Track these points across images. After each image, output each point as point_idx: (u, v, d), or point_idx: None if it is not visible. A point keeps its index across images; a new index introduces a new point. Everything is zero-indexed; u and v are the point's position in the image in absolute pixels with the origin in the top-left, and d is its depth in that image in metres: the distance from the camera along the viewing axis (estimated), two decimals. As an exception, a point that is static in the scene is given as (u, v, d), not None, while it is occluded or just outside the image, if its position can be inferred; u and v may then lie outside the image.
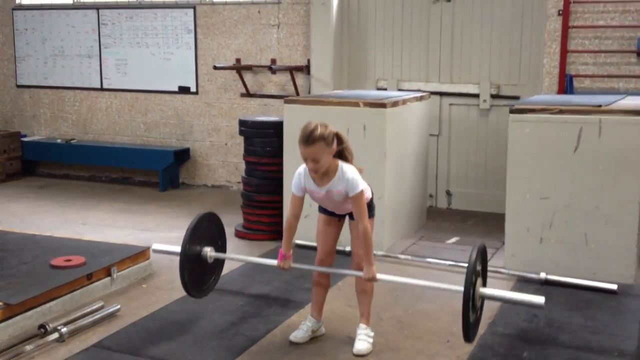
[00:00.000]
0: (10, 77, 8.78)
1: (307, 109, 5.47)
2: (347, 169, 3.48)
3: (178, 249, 3.85)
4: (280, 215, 5.59)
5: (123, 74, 8.14)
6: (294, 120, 5.51)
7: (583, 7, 6.07)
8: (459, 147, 6.85)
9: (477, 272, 3.35)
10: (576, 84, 6.14)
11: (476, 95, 6.69)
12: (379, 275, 3.52)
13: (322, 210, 3.73)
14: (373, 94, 6.17)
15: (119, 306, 4.18)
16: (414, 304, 4.34)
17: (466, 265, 4.95)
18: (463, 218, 6.55)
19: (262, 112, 7.43)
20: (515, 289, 4.59)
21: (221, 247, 4.07)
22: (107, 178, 8.40)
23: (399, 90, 6.85)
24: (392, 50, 7.01)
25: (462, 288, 3.26)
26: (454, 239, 5.80)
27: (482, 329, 3.74)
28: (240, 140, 6.90)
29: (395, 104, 5.41)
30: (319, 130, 3.34)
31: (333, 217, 3.72)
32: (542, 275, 4.67)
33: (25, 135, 8.61)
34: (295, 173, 3.58)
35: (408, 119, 5.74)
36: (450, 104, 6.83)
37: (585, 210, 4.67)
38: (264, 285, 4.59)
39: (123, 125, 8.26)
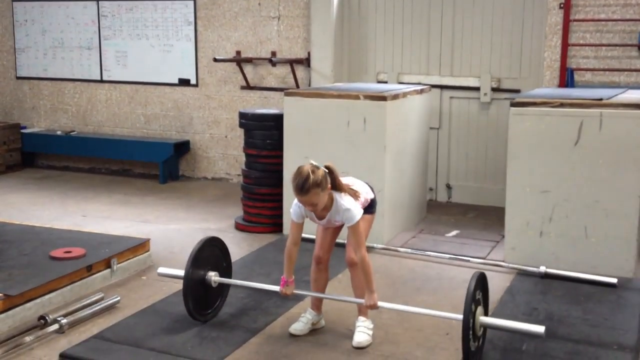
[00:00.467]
0: (10, 68, 8.76)
1: (307, 102, 5.46)
2: (342, 201, 3.51)
3: (182, 273, 3.82)
4: (281, 207, 5.59)
5: (123, 66, 8.13)
6: (294, 113, 5.52)
7: (584, 1, 6.05)
8: (459, 141, 6.84)
9: (477, 300, 3.34)
10: (577, 77, 6.13)
11: (477, 89, 6.67)
12: (380, 303, 3.55)
13: None
14: (373, 86, 6.16)
15: (118, 298, 4.18)
16: (413, 297, 4.34)
17: (466, 258, 4.99)
18: (463, 211, 6.55)
19: (262, 105, 7.41)
20: (515, 282, 4.60)
21: (226, 270, 4.04)
22: (107, 170, 8.39)
23: (400, 83, 6.84)
24: (393, 43, 7.00)
25: (461, 316, 3.24)
26: (453, 232, 5.80)
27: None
28: (240, 132, 6.90)
29: (395, 97, 5.40)
30: (311, 179, 3.36)
31: None
32: (542, 268, 4.67)
33: (25, 127, 8.60)
34: (294, 203, 3.59)
35: (408, 112, 5.73)
36: (451, 97, 6.82)
37: (586, 203, 4.67)
38: (264, 277, 4.59)
39: (123, 117, 8.25)
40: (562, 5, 6.06)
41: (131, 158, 8.03)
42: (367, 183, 3.81)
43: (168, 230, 5.81)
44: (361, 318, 3.70)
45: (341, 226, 3.77)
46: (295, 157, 5.40)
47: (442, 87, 6.79)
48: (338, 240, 3.85)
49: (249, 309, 4.09)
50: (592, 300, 4.29)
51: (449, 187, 6.95)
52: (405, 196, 5.78)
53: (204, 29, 7.64)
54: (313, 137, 5.43)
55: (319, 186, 3.39)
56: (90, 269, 4.42)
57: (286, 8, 7.25)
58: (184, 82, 7.84)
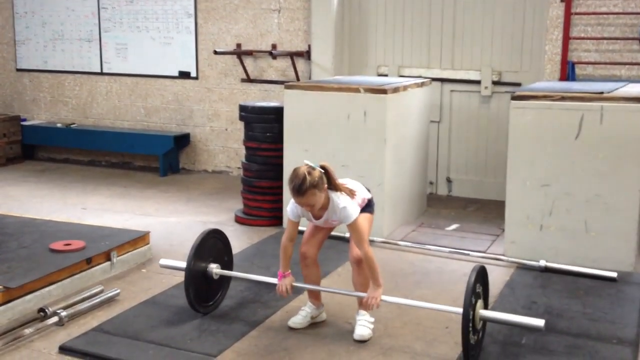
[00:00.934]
0: (10, 60, 8.75)
1: (308, 95, 5.45)
2: (339, 201, 3.51)
3: (184, 264, 3.82)
4: (280, 200, 5.59)
5: (123, 59, 8.11)
6: (295, 106, 5.51)
7: (586, -6, 6.05)
8: (459, 134, 6.83)
9: (477, 293, 3.33)
10: (578, 71, 6.12)
11: (477, 82, 6.66)
12: (383, 297, 3.54)
13: None
14: (374, 80, 6.14)
15: (118, 290, 4.19)
16: (413, 290, 4.34)
17: (466, 252, 4.98)
18: (463, 205, 6.54)
19: (262, 98, 7.40)
20: (514, 276, 4.60)
21: (227, 263, 4.05)
22: (107, 163, 8.39)
23: (400, 76, 6.83)
24: (394, 36, 6.98)
25: (461, 310, 3.24)
26: (453, 226, 5.80)
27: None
28: (240, 125, 6.89)
29: (396, 90, 5.39)
30: (308, 181, 3.36)
31: None
32: (542, 262, 4.67)
33: (25, 119, 8.59)
34: (291, 202, 3.59)
35: (409, 105, 5.72)
36: (452, 91, 6.80)
37: (586, 197, 4.67)
38: (264, 270, 4.59)
39: (123, 110, 8.24)
40: (563, -1, 6.05)
41: (131, 151, 8.03)
42: (363, 185, 3.80)
43: (168, 223, 5.81)
44: (362, 312, 3.70)
45: (333, 227, 3.78)
46: (296, 150, 5.40)
47: (443, 80, 6.78)
48: (339, 234, 3.85)
49: (248, 302, 4.09)
50: (592, 294, 4.28)
51: (449, 180, 6.94)
52: (405, 189, 5.78)
53: (204, 22, 7.62)
54: (313, 130, 5.42)
55: (316, 187, 3.39)
56: (90, 262, 4.42)
57: (287, 0, 7.23)
58: (184, 75, 7.83)
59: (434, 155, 6.86)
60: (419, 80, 6.04)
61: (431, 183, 6.92)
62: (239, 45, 7.46)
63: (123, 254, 4.68)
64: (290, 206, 3.61)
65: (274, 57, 7.20)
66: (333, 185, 3.51)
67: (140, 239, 4.87)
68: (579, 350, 3.51)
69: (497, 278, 4.50)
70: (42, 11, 8.42)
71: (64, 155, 8.58)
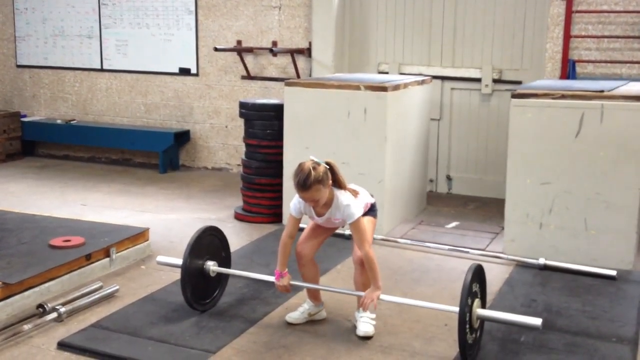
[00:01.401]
0: (10, 56, 8.74)
1: (308, 92, 5.45)
2: (343, 198, 3.52)
3: (181, 261, 3.81)
4: (280, 198, 5.58)
5: (123, 55, 8.11)
6: (295, 103, 5.50)
7: (587, -8, 6.04)
8: (460, 132, 6.83)
9: (474, 293, 3.33)
10: (579, 69, 6.11)
11: (478, 80, 6.65)
12: (381, 296, 3.54)
13: None
14: (374, 77, 6.14)
15: (117, 287, 4.18)
16: (413, 288, 4.34)
17: (465, 249, 4.98)
18: (463, 203, 6.54)
19: (262, 95, 7.40)
20: (514, 274, 4.59)
21: (225, 260, 4.03)
22: (106, 159, 8.38)
23: (401, 74, 6.82)
24: (394, 33, 6.97)
25: (457, 309, 3.23)
26: (453, 224, 5.80)
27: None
28: (240, 122, 6.88)
29: (396, 87, 5.39)
30: (312, 175, 3.36)
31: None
32: (541, 260, 4.67)
33: (25, 116, 8.59)
34: (295, 198, 3.59)
35: (409, 103, 5.72)
36: (452, 89, 6.80)
37: (586, 195, 4.66)
38: (263, 267, 4.59)
39: (123, 107, 8.23)
40: (564, -3, 6.04)
41: (131, 147, 8.02)
42: (366, 190, 3.80)
43: (167, 220, 5.81)
44: (362, 309, 3.70)
45: (334, 229, 3.79)
46: (296, 148, 5.40)
47: (443, 78, 6.78)
48: (340, 232, 3.83)
49: (247, 299, 4.09)
50: (591, 292, 4.28)
51: (449, 178, 6.94)
52: (405, 187, 5.77)
53: (204, 18, 7.62)
54: (313, 127, 5.42)
55: (321, 182, 3.39)
56: (89, 258, 4.42)
57: (287, -2, 7.22)
58: (185, 72, 7.82)
59: (434, 153, 6.85)
60: (420, 78, 6.03)
61: (431, 181, 6.92)
62: (239, 42, 7.45)
63: (122, 251, 4.67)
64: (293, 202, 3.61)
65: (275, 54, 7.20)
66: (337, 183, 3.52)
67: (139, 235, 4.86)
68: (578, 349, 3.51)
69: (497, 276, 4.50)
70: (42, 7, 8.41)
71: (64, 151, 8.57)
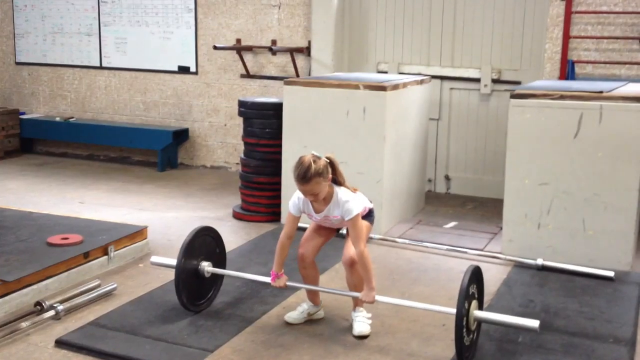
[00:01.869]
0: (9, 54, 8.73)
1: (307, 91, 5.45)
2: (342, 195, 3.52)
3: (175, 262, 3.80)
4: (279, 197, 5.58)
5: (122, 53, 8.10)
6: (294, 102, 5.50)
7: (586, -7, 6.04)
8: (458, 132, 6.83)
9: (471, 294, 3.32)
10: (578, 70, 6.11)
11: (477, 80, 6.65)
12: (377, 297, 3.52)
13: None
14: (373, 76, 6.14)
15: (115, 285, 4.18)
16: (410, 288, 4.34)
17: (464, 249, 4.98)
18: (461, 203, 6.54)
19: (261, 93, 7.40)
20: (512, 274, 4.59)
21: (220, 259, 4.02)
22: (105, 157, 8.38)
23: (400, 73, 6.82)
24: (394, 33, 6.97)
25: (454, 310, 3.23)
26: (451, 224, 5.80)
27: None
28: (239, 121, 6.88)
29: (395, 87, 5.39)
30: (313, 168, 3.36)
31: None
32: (539, 261, 4.67)
33: (23, 113, 8.58)
34: (294, 196, 3.59)
35: (408, 102, 5.72)
36: (451, 88, 6.80)
37: (584, 196, 4.67)
38: (261, 266, 4.59)
39: (122, 105, 8.23)
40: (564, -3, 6.04)
41: (130, 145, 8.02)
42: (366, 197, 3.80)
43: (166, 218, 5.81)
44: (358, 308, 3.70)
45: (334, 231, 3.79)
46: (294, 146, 5.39)
47: (443, 77, 6.77)
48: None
49: (245, 298, 4.08)
50: (589, 293, 4.29)
51: (447, 178, 6.94)
52: (403, 187, 5.77)
53: (204, 17, 7.61)
54: (312, 126, 5.42)
55: (321, 175, 3.38)
56: (87, 256, 4.41)
57: (287, -4, 7.22)
58: (184, 70, 7.82)
59: (432, 153, 6.85)
60: (419, 78, 6.03)
61: (430, 180, 6.92)
62: (238, 41, 7.45)
63: (120, 249, 4.67)
64: (292, 200, 3.60)
65: (274, 53, 7.19)
66: (337, 177, 3.51)
67: (138, 233, 4.86)
68: (575, 349, 3.51)
69: (494, 276, 4.50)
70: (41, 5, 8.40)
71: (62, 149, 8.57)
